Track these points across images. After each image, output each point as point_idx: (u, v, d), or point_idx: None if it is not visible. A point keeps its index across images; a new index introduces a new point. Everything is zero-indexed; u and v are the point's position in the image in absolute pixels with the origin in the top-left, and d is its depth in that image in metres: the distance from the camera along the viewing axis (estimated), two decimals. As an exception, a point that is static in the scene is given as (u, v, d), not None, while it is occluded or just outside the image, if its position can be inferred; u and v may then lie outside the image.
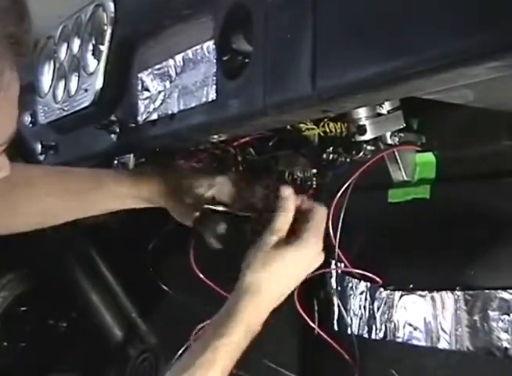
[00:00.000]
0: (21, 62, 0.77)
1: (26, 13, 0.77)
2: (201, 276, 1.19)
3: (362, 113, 1.03)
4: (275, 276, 0.98)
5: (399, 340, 1.20)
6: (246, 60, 0.86)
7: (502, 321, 1.06)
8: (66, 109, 1.24)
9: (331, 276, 1.32)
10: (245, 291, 0.97)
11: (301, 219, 1.01)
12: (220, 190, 1.09)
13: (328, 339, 1.23)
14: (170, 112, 1.03)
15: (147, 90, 1.09)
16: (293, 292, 1.21)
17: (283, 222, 0.99)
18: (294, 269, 1.00)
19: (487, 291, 1.08)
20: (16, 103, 0.80)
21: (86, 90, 1.18)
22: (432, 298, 1.15)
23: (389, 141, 1.10)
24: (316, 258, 1.01)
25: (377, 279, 1.21)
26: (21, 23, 0.76)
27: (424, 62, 0.64)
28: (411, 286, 1.18)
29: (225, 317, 0.96)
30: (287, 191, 1.01)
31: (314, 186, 1.21)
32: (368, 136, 1.04)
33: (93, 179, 1.15)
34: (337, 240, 1.20)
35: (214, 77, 0.93)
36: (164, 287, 1.54)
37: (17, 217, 1.12)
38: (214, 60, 0.94)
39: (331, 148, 1.14)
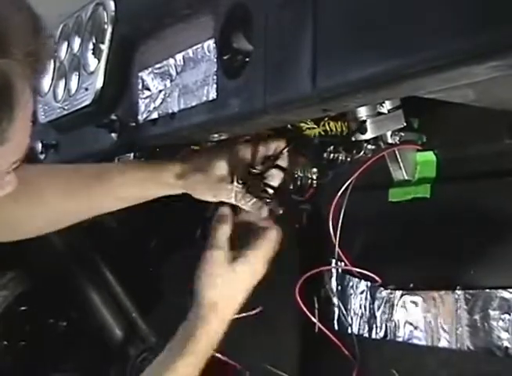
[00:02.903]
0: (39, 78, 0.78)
1: (42, 28, 0.77)
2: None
3: (362, 113, 1.03)
4: (229, 293, 1.05)
5: (400, 339, 1.20)
6: (247, 59, 0.86)
7: (503, 320, 1.06)
8: (66, 108, 1.25)
9: (331, 276, 1.32)
10: (203, 312, 1.04)
11: (256, 233, 1.08)
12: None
13: (331, 336, 1.23)
14: (170, 111, 1.03)
15: (147, 89, 1.09)
16: (294, 291, 1.22)
17: (222, 235, 1.06)
18: (244, 283, 1.06)
19: (487, 290, 1.08)
20: (30, 120, 0.81)
21: (86, 89, 1.18)
22: (432, 298, 1.15)
23: (390, 140, 1.10)
24: (261, 271, 1.07)
25: (378, 278, 1.21)
26: (38, 39, 0.77)
27: (425, 61, 0.64)
28: (411, 285, 1.18)
29: (184, 340, 1.03)
30: (225, 209, 1.09)
31: (314, 185, 1.21)
32: (368, 135, 1.04)
33: (103, 168, 1.13)
34: (338, 239, 1.20)
35: (215, 77, 0.93)
36: (165, 287, 1.54)
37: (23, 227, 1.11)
38: (215, 59, 0.94)
39: (331, 147, 1.14)
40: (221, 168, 1.08)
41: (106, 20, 1.15)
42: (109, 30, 1.14)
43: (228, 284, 1.04)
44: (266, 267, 1.07)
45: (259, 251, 1.06)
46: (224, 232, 1.07)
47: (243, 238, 1.08)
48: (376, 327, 1.24)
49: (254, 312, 1.24)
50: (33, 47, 0.76)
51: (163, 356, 1.05)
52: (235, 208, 1.10)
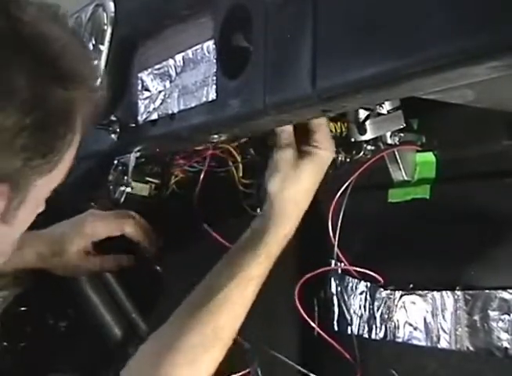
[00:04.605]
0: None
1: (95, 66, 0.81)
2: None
3: (362, 113, 1.03)
4: (300, 193, 1.03)
5: (399, 340, 1.20)
6: (247, 60, 0.86)
7: (503, 321, 1.06)
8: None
9: (331, 276, 1.32)
10: (273, 215, 1.02)
11: (305, 131, 1.04)
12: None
13: (328, 339, 1.23)
14: (170, 112, 1.03)
15: (147, 90, 1.09)
16: (293, 293, 1.22)
17: (288, 135, 1.03)
18: (314, 180, 1.04)
19: (487, 290, 1.08)
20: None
21: (86, 90, 1.18)
22: (432, 298, 1.15)
23: (389, 141, 1.10)
24: (329, 160, 1.05)
25: (377, 278, 1.21)
26: (95, 77, 0.81)
27: (424, 62, 0.64)
28: (411, 286, 1.18)
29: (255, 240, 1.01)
30: None
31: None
32: (368, 136, 1.04)
33: None
34: (337, 239, 1.20)
35: (214, 77, 0.93)
36: (165, 287, 1.54)
37: None
38: (214, 60, 0.94)
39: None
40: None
41: (105, 21, 1.15)
42: (109, 31, 1.15)
43: (296, 185, 1.03)
44: (333, 153, 1.06)
45: (324, 147, 1.03)
46: (288, 131, 1.03)
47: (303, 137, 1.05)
48: (376, 328, 1.24)
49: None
50: (95, 86, 0.81)
51: (233, 253, 1.04)
52: None
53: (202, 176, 1.23)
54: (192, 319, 0.99)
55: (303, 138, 1.03)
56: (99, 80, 0.85)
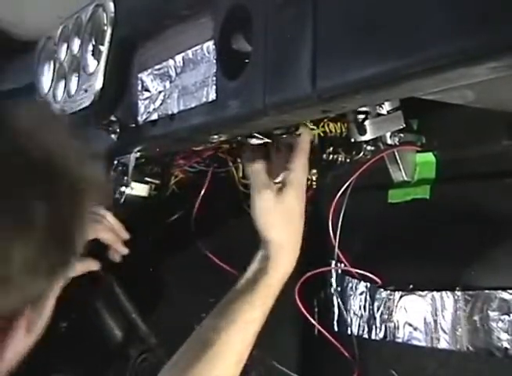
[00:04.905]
0: None
1: None
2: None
3: (361, 114, 1.03)
4: (292, 222, 1.06)
5: (399, 340, 1.20)
6: (246, 60, 0.86)
7: (503, 321, 1.06)
8: (66, 109, 1.24)
9: (331, 277, 1.32)
10: (272, 253, 1.04)
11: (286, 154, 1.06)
12: None
13: (330, 338, 1.23)
14: (170, 112, 1.03)
15: (147, 90, 1.09)
16: (293, 293, 1.22)
17: (260, 173, 1.06)
18: (300, 202, 1.06)
19: (487, 291, 1.08)
20: None
21: (86, 90, 1.18)
22: (432, 299, 1.15)
23: (389, 141, 1.10)
24: (303, 179, 1.07)
25: (377, 279, 1.21)
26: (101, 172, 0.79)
27: (424, 62, 0.64)
28: (411, 286, 1.18)
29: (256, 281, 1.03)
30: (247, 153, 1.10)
31: (314, 186, 1.21)
32: (368, 136, 1.04)
33: None
34: (337, 240, 1.20)
35: (214, 78, 0.93)
36: (164, 287, 1.54)
37: None
38: (214, 60, 0.94)
39: (331, 148, 1.14)
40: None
41: (105, 22, 1.15)
42: (109, 31, 1.14)
43: (286, 217, 1.05)
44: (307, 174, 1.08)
45: (296, 164, 1.05)
46: (259, 168, 1.06)
47: (277, 166, 1.07)
48: (376, 328, 1.24)
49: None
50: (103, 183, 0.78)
51: (234, 295, 1.04)
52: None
53: (208, 178, 1.24)
54: (192, 370, 0.99)
55: (277, 161, 1.06)
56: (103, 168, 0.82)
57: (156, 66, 1.07)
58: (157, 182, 1.27)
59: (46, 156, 0.70)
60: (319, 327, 1.27)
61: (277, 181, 1.06)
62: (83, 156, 0.76)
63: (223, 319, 1.01)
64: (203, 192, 1.27)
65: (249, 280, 1.04)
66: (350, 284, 1.29)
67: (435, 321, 1.14)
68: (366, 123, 1.03)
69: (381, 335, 1.23)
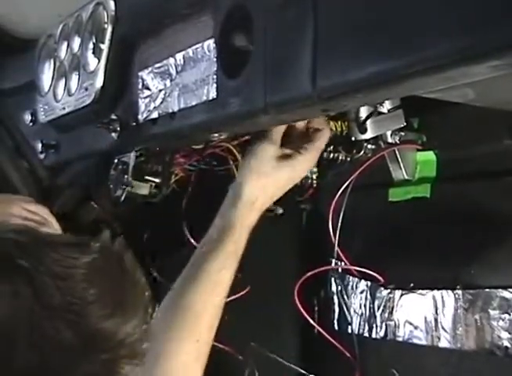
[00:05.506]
0: None
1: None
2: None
3: (362, 112, 1.03)
4: (269, 189, 1.06)
5: (399, 339, 1.20)
6: (247, 59, 0.86)
7: (503, 320, 1.06)
8: (66, 107, 1.24)
9: (331, 276, 1.32)
10: (241, 202, 1.04)
11: (306, 135, 1.06)
12: None
13: (329, 338, 1.24)
14: (170, 110, 1.03)
15: (148, 88, 1.09)
16: (293, 292, 1.22)
17: (277, 132, 1.05)
18: (285, 183, 1.07)
19: (487, 289, 1.08)
20: None
21: (86, 89, 1.18)
22: (433, 297, 1.15)
23: (390, 140, 1.10)
24: (304, 173, 1.10)
25: (378, 278, 1.21)
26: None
27: (424, 61, 0.64)
28: (411, 285, 1.18)
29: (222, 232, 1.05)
30: None
31: (314, 184, 1.21)
32: (368, 135, 1.04)
33: None
34: (337, 238, 1.20)
35: (215, 76, 0.93)
36: (164, 287, 1.53)
37: None
38: (215, 59, 0.94)
39: (331, 147, 1.14)
40: None
41: (106, 20, 1.15)
42: (110, 29, 1.14)
43: (271, 183, 1.05)
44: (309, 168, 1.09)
45: (307, 155, 1.05)
46: (279, 129, 1.05)
47: (293, 140, 1.07)
48: (376, 327, 1.24)
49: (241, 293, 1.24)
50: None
51: (202, 246, 1.07)
52: None
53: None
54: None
55: (294, 138, 1.05)
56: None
57: (157, 65, 1.07)
58: (158, 180, 1.27)
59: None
60: (319, 326, 1.27)
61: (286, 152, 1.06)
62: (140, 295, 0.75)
63: (196, 281, 1.04)
64: (203, 191, 1.27)
65: (213, 239, 1.05)
66: (350, 283, 1.29)
67: (436, 320, 1.14)
68: (367, 121, 1.03)
69: (382, 334, 1.23)
